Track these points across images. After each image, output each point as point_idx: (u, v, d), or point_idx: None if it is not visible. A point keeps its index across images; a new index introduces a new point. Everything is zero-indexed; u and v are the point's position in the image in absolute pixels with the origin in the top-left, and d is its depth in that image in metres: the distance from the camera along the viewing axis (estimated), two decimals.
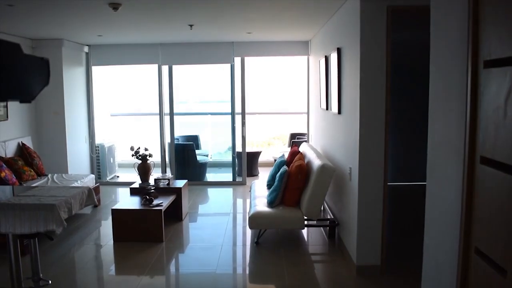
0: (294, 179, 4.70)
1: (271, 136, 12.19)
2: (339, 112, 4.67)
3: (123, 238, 4.89)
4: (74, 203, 3.95)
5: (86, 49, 7.57)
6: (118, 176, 8.68)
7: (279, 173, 4.89)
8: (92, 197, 4.90)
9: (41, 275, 3.39)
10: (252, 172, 8.53)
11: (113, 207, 5.00)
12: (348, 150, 4.31)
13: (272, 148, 11.88)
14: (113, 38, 7.02)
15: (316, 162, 4.65)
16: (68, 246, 4.82)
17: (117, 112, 10.27)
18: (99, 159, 8.06)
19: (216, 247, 4.73)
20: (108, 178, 8.24)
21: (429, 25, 2.31)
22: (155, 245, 4.78)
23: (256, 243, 4.77)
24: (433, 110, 2.30)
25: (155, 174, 6.79)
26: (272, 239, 4.92)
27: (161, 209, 4.87)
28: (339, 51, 4.62)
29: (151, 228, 4.87)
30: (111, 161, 8.43)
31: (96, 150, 8.02)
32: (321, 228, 5.21)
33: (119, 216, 4.90)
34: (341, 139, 4.66)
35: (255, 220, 4.59)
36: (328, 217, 5.26)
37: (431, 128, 2.31)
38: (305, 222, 4.67)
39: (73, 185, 5.76)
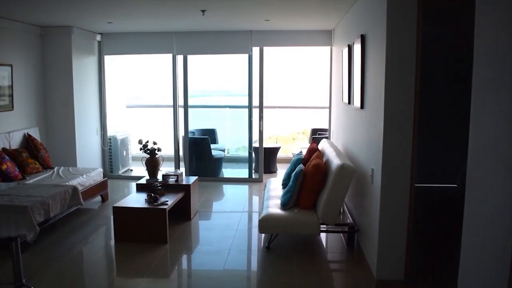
0: (310, 180, 4.27)
1: (296, 131, 11.76)
2: (362, 106, 4.21)
3: (125, 238, 4.56)
4: (53, 204, 3.58)
5: (98, 37, 7.28)
6: (131, 170, 8.40)
7: (294, 172, 4.47)
8: (77, 197, 4.56)
9: (24, 280, 3.07)
10: (270, 168, 8.12)
11: (115, 205, 4.66)
12: (370, 149, 3.85)
13: (296, 144, 11.45)
14: (125, 26, 6.69)
15: (335, 162, 4.21)
16: (67, 246, 4.50)
17: (133, 104, 10.00)
18: (111, 152, 7.78)
19: (223, 251, 4.35)
20: (120, 172, 7.96)
21: (461, 19, 1.84)
22: (158, 246, 4.43)
23: (267, 248, 4.37)
24: (476, 110, 1.83)
25: (167, 168, 6.48)
26: (285, 244, 4.50)
27: (165, 208, 4.51)
28: (363, 39, 4.15)
29: (155, 229, 4.52)
30: (124, 154, 8.15)
31: (108, 142, 7.74)
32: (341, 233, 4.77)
33: (121, 214, 4.57)
34: (363, 136, 4.20)
35: (266, 224, 4.18)
36: (348, 221, 4.80)
37: (474, 130, 1.85)
38: (321, 228, 4.22)
39: (78, 178, 5.47)
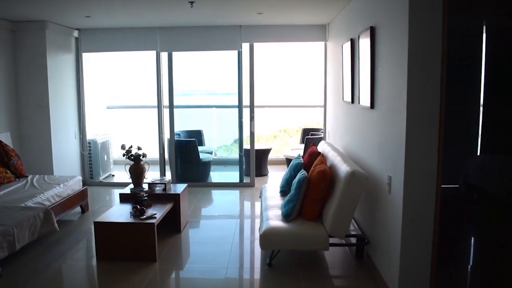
0: (315, 188, 3.84)
1: (277, 129, 11.36)
2: (372, 106, 3.79)
3: (108, 257, 4.06)
4: (20, 233, 3.02)
5: (75, 33, 6.72)
6: (113, 175, 7.87)
7: (296, 179, 4.03)
8: (50, 222, 4.00)
9: None
10: (261, 171, 7.69)
11: (96, 220, 4.15)
12: (385, 154, 3.44)
13: (278, 142, 11.03)
14: (104, 21, 6.16)
15: (342, 168, 3.79)
16: (42, 266, 3.97)
17: (114, 105, 9.42)
18: (91, 157, 7.23)
19: (220, 270, 3.89)
20: (101, 178, 7.42)
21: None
22: (146, 265, 3.95)
23: (269, 264, 3.93)
24: None
25: (152, 173, 5.98)
26: (287, 259, 4.07)
27: (153, 223, 4.03)
28: (372, 32, 3.74)
29: (142, 245, 4.04)
30: (105, 159, 7.60)
31: (88, 146, 7.19)
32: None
33: (103, 230, 4.06)
34: (374, 139, 3.79)
35: (268, 239, 3.72)
36: (354, 232, 4.39)
37: None
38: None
39: (54, 189, 4.94)
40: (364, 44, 3.99)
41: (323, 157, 4.36)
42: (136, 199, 4.50)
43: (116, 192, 6.65)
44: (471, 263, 4.32)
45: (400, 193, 3.05)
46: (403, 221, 3.03)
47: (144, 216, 4.13)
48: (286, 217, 3.94)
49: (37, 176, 5.47)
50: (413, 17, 2.84)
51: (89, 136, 7.26)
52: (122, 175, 7.53)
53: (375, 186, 3.71)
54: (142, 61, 8.69)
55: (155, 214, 4.20)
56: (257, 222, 5.24)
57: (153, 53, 6.85)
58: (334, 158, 4.26)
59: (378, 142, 3.64)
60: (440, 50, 2.84)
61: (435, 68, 2.86)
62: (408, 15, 2.84)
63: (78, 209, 5.51)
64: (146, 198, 4.53)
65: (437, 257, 3.06)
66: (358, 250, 4.07)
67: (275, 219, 3.97)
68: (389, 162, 3.33)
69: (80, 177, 5.67)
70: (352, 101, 4.64)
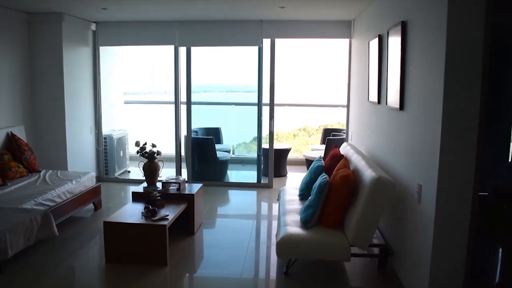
0: (337, 194, 3.58)
1: (296, 127, 11.11)
2: (401, 107, 3.52)
3: (118, 259, 3.88)
4: (13, 239, 2.80)
5: (93, 26, 6.58)
6: (129, 172, 7.72)
7: (317, 183, 3.78)
8: (48, 226, 3.74)
9: None
10: (279, 172, 7.44)
11: (106, 220, 3.98)
12: (415, 160, 3.16)
13: (297, 141, 10.79)
14: (121, 14, 6.00)
15: (367, 173, 3.52)
16: (47, 265, 3.81)
17: (132, 100, 9.29)
18: (106, 153, 7.10)
19: (234, 277, 3.67)
20: (117, 174, 7.28)
21: None
22: (156, 269, 3.75)
23: (285, 273, 3.69)
24: None
25: (168, 170, 5.79)
26: (305, 268, 3.82)
27: (165, 225, 3.83)
28: (403, 27, 3.46)
29: (153, 248, 3.85)
30: (121, 155, 7.46)
31: (103, 142, 7.05)
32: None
33: (113, 230, 3.88)
34: (402, 143, 3.51)
35: (285, 247, 3.48)
36: (377, 241, 4.12)
37: None
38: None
39: (66, 185, 4.79)
40: (394, 40, 3.71)
41: (346, 161, 4.09)
42: (148, 198, 4.32)
43: (132, 189, 6.48)
44: (501, 277, 4.01)
45: (431, 203, 2.78)
46: (435, 233, 2.77)
47: (156, 218, 3.94)
48: (305, 223, 3.69)
49: (50, 171, 5.34)
50: (452, 10, 2.57)
51: (105, 131, 7.12)
52: (138, 171, 7.32)
53: (402, 194, 3.44)
54: (160, 55, 8.53)
55: (168, 215, 4.00)
56: (274, 225, 5.01)
57: (171, 48, 6.66)
58: (358, 162, 4.00)
59: (407, 146, 3.37)
60: (482, 48, 2.56)
61: (475, 66, 2.58)
62: (447, 7, 2.57)
63: (91, 206, 5.36)
64: (159, 197, 4.34)
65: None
66: (381, 261, 3.79)
67: (293, 225, 3.73)
68: (419, 169, 3.06)
69: (93, 173, 5.52)
70: (379, 102, 4.36)
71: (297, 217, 3.91)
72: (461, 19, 2.57)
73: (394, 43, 3.70)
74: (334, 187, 3.62)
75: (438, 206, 2.73)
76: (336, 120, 10.01)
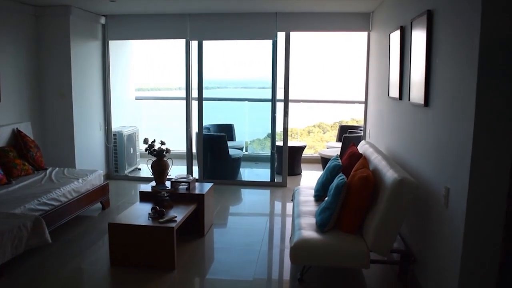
0: (356, 196, 3.33)
1: (310, 124, 10.84)
2: (426, 103, 3.25)
3: (123, 262, 3.70)
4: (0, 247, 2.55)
5: (102, 20, 6.41)
6: (139, 169, 7.56)
7: (334, 184, 3.54)
8: (40, 233, 3.47)
9: None
10: (293, 170, 7.21)
11: (111, 221, 3.79)
12: (442, 161, 2.90)
13: (312, 137, 10.53)
14: (131, 7, 5.82)
15: (389, 174, 3.27)
16: (50, 268, 3.65)
17: (142, 96, 9.12)
18: (116, 150, 6.94)
19: (245, 283, 3.46)
20: (126, 172, 7.12)
21: None
22: (163, 274, 3.56)
23: (300, 280, 3.47)
24: None
25: (178, 167, 5.59)
26: (321, 275, 3.60)
27: (173, 227, 3.63)
28: (430, 16, 3.19)
29: (159, 251, 3.65)
30: (131, 152, 7.30)
31: (113, 139, 6.89)
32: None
33: (118, 232, 3.70)
34: (427, 142, 3.25)
35: (300, 252, 3.25)
36: (397, 247, 3.85)
37: None
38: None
39: (72, 184, 4.63)
40: (419, 31, 3.44)
41: (365, 160, 3.84)
42: (156, 198, 4.13)
43: (142, 187, 6.32)
44: None
45: (462, 208, 2.52)
46: (465, 241, 2.51)
47: (164, 219, 3.74)
48: (321, 227, 3.46)
49: (56, 169, 5.19)
50: None
51: (115, 127, 6.96)
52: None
53: (427, 197, 3.18)
54: (172, 49, 8.34)
55: (176, 216, 3.80)
56: (288, 226, 4.79)
57: (182, 42, 6.46)
58: (378, 162, 3.74)
59: (433, 146, 3.10)
60: None
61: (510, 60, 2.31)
62: None
63: (99, 204, 5.20)
64: (167, 197, 4.15)
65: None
66: (401, 269, 3.54)
67: (308, 229, 3.49)
68: (447, 170, 2.80)
69: (101, 171, 5.35)
70: (400, 98, 4.09)
71: (312, 220, 3.68)
72: (497, 7, 2.30)
73: (419, 34, 3.42)
74: (352, 189, 3.37)
75: (468, 212, 2.47)
76: (351, 116, 9.74)
